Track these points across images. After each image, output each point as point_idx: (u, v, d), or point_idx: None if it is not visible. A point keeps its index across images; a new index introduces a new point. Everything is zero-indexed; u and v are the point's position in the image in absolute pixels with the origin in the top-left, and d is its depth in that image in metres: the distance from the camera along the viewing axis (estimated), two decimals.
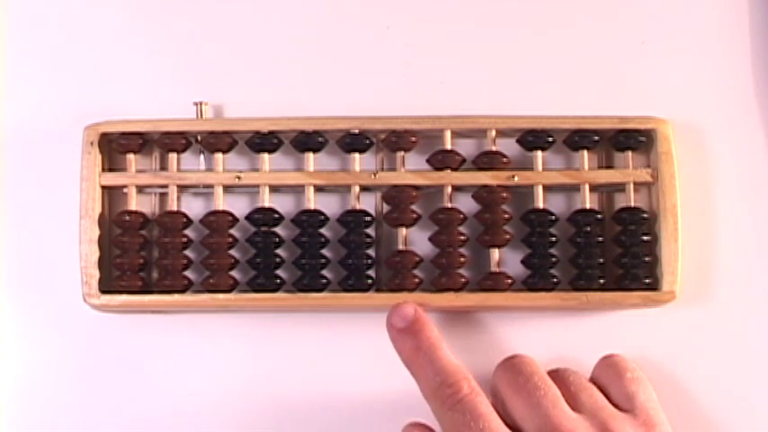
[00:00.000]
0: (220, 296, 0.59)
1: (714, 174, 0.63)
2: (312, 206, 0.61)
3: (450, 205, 0.61)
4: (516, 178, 0.60)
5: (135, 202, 0.61)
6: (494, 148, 0.61)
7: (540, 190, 0.61)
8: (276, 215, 0.61)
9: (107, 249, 0.60)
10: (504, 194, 0.60)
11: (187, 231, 0.61)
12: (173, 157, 0.61)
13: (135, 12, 0.63)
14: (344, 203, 0.62)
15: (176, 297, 0.59)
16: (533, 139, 0.61)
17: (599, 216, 0.61)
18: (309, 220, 0.60)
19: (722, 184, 0.62)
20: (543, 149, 0.61)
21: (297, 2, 0.64)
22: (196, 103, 0.61)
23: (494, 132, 0.61)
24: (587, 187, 0.61)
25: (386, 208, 0.61)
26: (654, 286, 0.60)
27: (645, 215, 0.60)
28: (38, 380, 0.61)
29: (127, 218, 0.60)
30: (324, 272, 0.60)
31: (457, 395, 0.55)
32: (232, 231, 0.61)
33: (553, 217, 0.61)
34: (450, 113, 0.61)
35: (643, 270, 0.60)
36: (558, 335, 0.61)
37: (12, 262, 0.62)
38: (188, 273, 0.60)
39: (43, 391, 0.61)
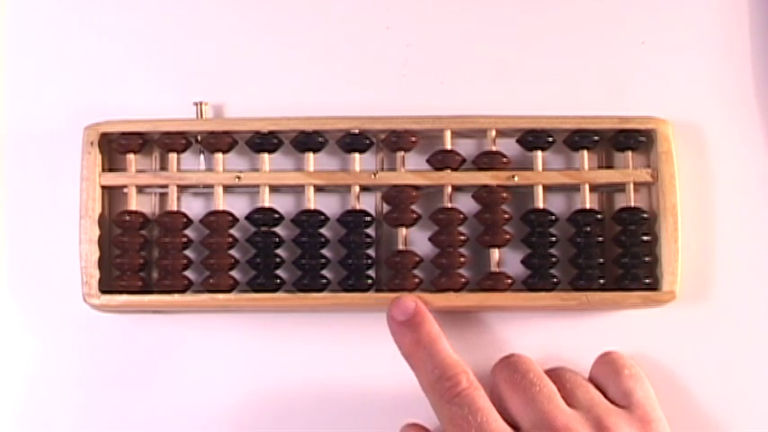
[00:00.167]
0: (220, 296, 0.59)
1: (714, 174, 0.63)
2: (312, 206, 0.61)
3: (450, 205, 0.61)
4: (516, 178, 0.60)
5: (135, 202, 0.61)
6: (494, 148, 0.61)
7: (540, 190, 0.61)
8: (276, 215, 0.61)
9: (107, 249, 0.60)
10: (504, 194, 0.60)
11: (187, 231, 0.61)
12: (173, 157, 0.61)
13: (135, 12, 0.63)
14: (344, 203, 0.62)
15: (176, 297, 0.59)
16: (533, 139, 0.61)
17: (599, 216, 0.61)
18: (309, 220, 0.60)
19: (722, 184, 0.62)
20: (543, 149, 0.61)
21: (297, 2, 0.64)
22: (196, 103, 0.61)
23: (494, 132, 0.61)
24: (587, 187, 0.61)
25: (386, 208, 0.61)
26: (654, 286, 0.60)
27: (645, 215, 0.60)
28: (38, 380, 0.61)
29: (127, 218, 0.60)
30: (324, 272, 0.60)
31: (455, 388, 0.55)
32: (232, 231, 0.61)
33: (553, 217, 0.61)
34: (450, 113, 0.61)
35: (643, 270, 0.60)
36: (558, 335, 0.61)
37: (12, 262, 0.62)
38: (188, 273, 0.60)
39: (43, 391, 0.61)
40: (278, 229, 0.61)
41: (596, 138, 0.61)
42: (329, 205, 0.61)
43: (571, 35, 0.64)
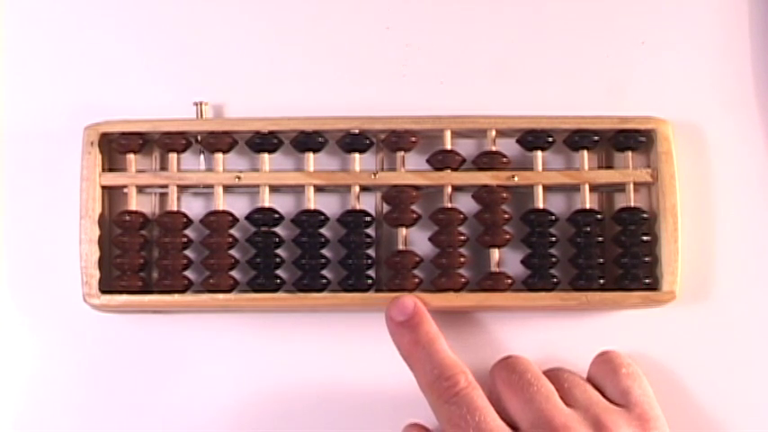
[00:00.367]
0: (220, 296, 0.59)
1: (714, 174, 0.63)
2: (312, 206, 0.61)
3: (450, 205, 0.61)
4: (516, 178, 0.60)
5: (135, 202, 0.61)
6: (494, 148, 0.61)
7: (540, 190, 0.61)
8: (276, 215, 0.61)
9: (107, 249, 0.60)
10: (504, 194, 0.60)
11: (187, 231, 0.61)
12: (173, 157, 0.61)
13: (135, 12, 0.63)
14: (344, 203, 0.62)
15: (176, 297, 0.59)
16: (533, 139, 0.61)
17: (599, 216, 0.61)
18: (309, 220, 0.60)
19: (722, 184, 0.62)
20: (543, 149, 0.61)
21: (297, 2, 0.64)
22: (196, 103, 0.61)
23: (494, 132, 0.61)
24: (587, 187, 0.61)
25: (386, 208, 0.61)
26: (654, 286, 0.60)
27: (645, 215, 0.60)
28: (38, 380, 0.61)
29: (127, 218, 0.60)
30: (324, 272, 0.60)
31: (454, 388, 0.55)
32: (232, 231, 0.61)
33: (553, 217, 0.61)
34: (450, 113, 0.61)
35: (643, 270, 0.60)
36: (557, 335, 0.61)
37: (12, 262, 0.62)
38: (188, 273, 0.60)
39: (43, 391, 0.61)
40: (278, 229, 0.61)
41: (596, 138, 0.61)
42: (329, 205, 0.61)
43: (571, 35, 0.64)
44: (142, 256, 0.60)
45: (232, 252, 0.60)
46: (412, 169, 0.61)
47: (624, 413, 0.56)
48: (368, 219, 0.60)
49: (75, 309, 0.60)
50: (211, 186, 0.61)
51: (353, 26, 0.64)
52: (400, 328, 0.58)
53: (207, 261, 0.60)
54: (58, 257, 0.61)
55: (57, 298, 0.61)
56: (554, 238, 0.60)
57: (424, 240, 0.61)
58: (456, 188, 0.61)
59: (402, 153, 0.61)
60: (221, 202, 0.61)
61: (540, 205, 0.61)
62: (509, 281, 0.60)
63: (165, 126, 0.61)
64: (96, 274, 0.59)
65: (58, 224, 0.61)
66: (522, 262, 0.61)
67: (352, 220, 0.60)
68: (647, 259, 0.60)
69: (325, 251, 0.60)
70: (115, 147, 0.61)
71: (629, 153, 0.61)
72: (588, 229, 0.60)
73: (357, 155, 0.61)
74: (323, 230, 0.61)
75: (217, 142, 0.61)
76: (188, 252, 0.61)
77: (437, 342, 0.57)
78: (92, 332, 0.61)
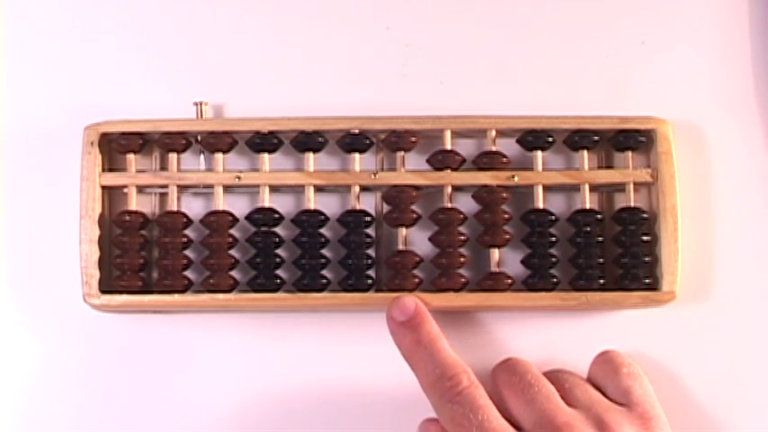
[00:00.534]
0: (220, 296, 0.59)
1: (714, 174, 0.63)
2: (312, 206, 0.61)
3: (450, 205, 0.61)
4: (516, 178, 0.60)
5: (135, 202, 0.61)
6: (494, 148, 0.61)
7: (540, 190, 0.61)
8: (276, 215, 0.61)
9: (107, 249, 0.60)
10: (504, 194, 0.60)
11: (187, 231, 0.61)
12: (173, 157, 0.61)
13: (135, 12, 0.63)
14: (344, 203, 0.62)
15: (176, 297, 0.59)
16: (533, 139, 0.61)
17: (599, 216, 0.61)
18: (309, 220, 0.60)
19: (722, 184, 0.62)
20: (543, 149, 0.61)
21: (297, 2, 0.64)
22: (196, 103, 0.61)
23: (494, 132, 0.61)
24: (587, 187, 0.61)
25: (386, 208, 0.61)
26: (654, 286, 0.60)
27: (645, 215, 0.60)
28: (38, 379, 0.61)
29: (127, 218, 0.60)
30: (324, 272, 0.60)
31: (456, 388, 0.55)
32: (232, 231, 0.61)
33: (553, 217, 0.61)
34: (450, 113, 0.61)
35: (643, 270, 0.60)
36: (557, 335, 0.61)
37: (12, 262, 0.62)
38: (188, 273, 0.60)
39: (43, 391, 0.61)
40: (278, 229, 0.61)
41: (596, 138, 0.61)
42: (329, 205, 0.61)
43: (571, 35, 0.64)
44: (142, 256, 0.60)
45: (232, 252, 0.60)
46: (412, 169, 0.61)
47: (626, 412, 0.56)
48: (368, 219, 0.60)
49: (75, 309, 0.60)
50: (211, 186, 0.61)
51: (353, 26, 0.64)
52: (402, 328, 0.58)
53: (207, 261, 0.60)
54: (58, 257, 0.61)
55: (57, 298, 0.61)
56: (554, 238, 0.60)
57: (424, 240, 0.61)
58: (456, 188, 0.61)
59: (402, 153, 0.61)
60: (221, 202, 0.61)
61: (540, 205, 0.61)
62: (509, 281, 0.60)
63: (165, 126, 0.61)
64: (96, 274, 0.59)
65: (58, 224, 0.61)
66: (522, 262, 0.61)
67: (352, 220, 0.60)
68: (647, 259, 0.60)
69: (325, 251, 0.60)
70: (115, 147, 0.61)
71: (629, 153, 0.61)
72: (588, 229, 0.60)
73: (357, 155, 0.61)
74: (323, 230, 0.61)
75: (217, 142, 0.61)
76: (188, 252, 0.61)
77: (439, 342, 0.57)
78: (92, 332, 0.61)
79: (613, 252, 0.61)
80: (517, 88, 0.63)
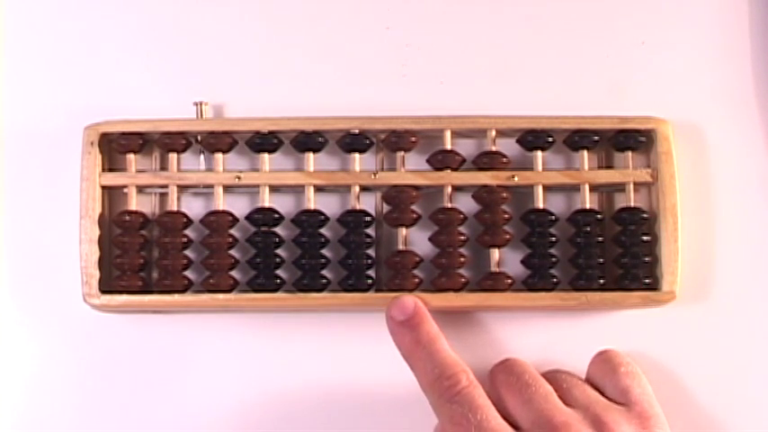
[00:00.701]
0: (220, 296, 0.59)
1: (714, 174, 0.63)
2: (312, 206, 0.61)
3: (450, 205, 0.61)
4: (516, 178, 0.60)
5: (135, 202, 0.61)
6: (494, 148, 0.61)
7: (540, 190, 0.61)
8: (276, 215, 0.61)
9: (107, 249, 0.60)
10: (504, 194, 0.60)
11: (187, 231, 0.61)
12: (173, 157, 0.61)
13: (135, 12, 0.63)
14: (344, 203, 0.62)
15: (176, 297, 0.59)
16: (533, 139, 0.61)
17: (599, 216, 0.61)
18: (309, 220, 0.60)
19: (722, 184, 0.62)
20: (543, 149, 0.61)
21: (297, 2, 0.64)
22: (196, 103, 0.61)
23: (494, 132, 0.61)
24: (587, 187, 0.61)
25: (386, 208, 0.61)
26: (654, 286, 0.60)
27: (645, 215, 0.60)
28: (38, 379, 0.61)
29: (127, 218, 0.60)
30: (324, 272, 0.60)
31: (455, 387, 0.55)
32: (232, 231, 0.61)
33: (553, 217, 0.61)
34: (450, 113, 0.61)
35: (643, 270, 0.60)
36: (557, 335, 0.61)
37: (12, 262, 0.62)
38: (188, 273, 0.60)
39: (43, 391, 0.61)
40: (278, 229, 0.61)
41: (596, 138, 0.61)
42: (329, 205, 0.61)
43: (571, 35, 0.64)
44: (142, 256, 0.60)
45: (232, 252, 0.60)
46: (412, 169, 0.61)
47: (624, 411, 0.56)
48: (368, 219, 0.60)
49: (75, 309, 0.60)
50: (211, 186, 0.61)
51: (353, 26, 0.64)
52: (401, 327, 0.58)
53: (207, 261, 0.60)
54: (58, 257, 0.61)
55: (57, 298, 0.61)
56: (554, 238, 0.60)
57: (424, 240, 0.61)
58: (456, 188, 0.61)
59: (402, 153, 0.61)
60: (221, 202, 0.61)
61: (540, 205, 0.61)
62: (509, 281, 0.60)
63: (165, 126, 0.61)
64: (96, 274, 0.59)
65: (58, 224, 0.61)
66: (522, 262, 0.61)
67: (352, 220, 0.60)
68: (647, 259, 0.60)
69: (325, 251, 0.60)
70: (115, 147, 0.61)
71: (629, 153, 0.61)
72: (588, 229, 0.60)
73: (357, 155, 0.61)
74: (323, 230, 0.61)
75: (217, 142, 0.61)
76: (188, 252, 0.61)
77: (438, 341, 0.57)
78: (92, 332, 0.61)
79: (613, 252, 0.61)
80: (517, 88, 0.63)
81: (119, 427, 0.60)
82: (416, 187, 0.61)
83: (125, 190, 0.61)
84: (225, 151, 0.61)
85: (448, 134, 0.61)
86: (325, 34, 0.63)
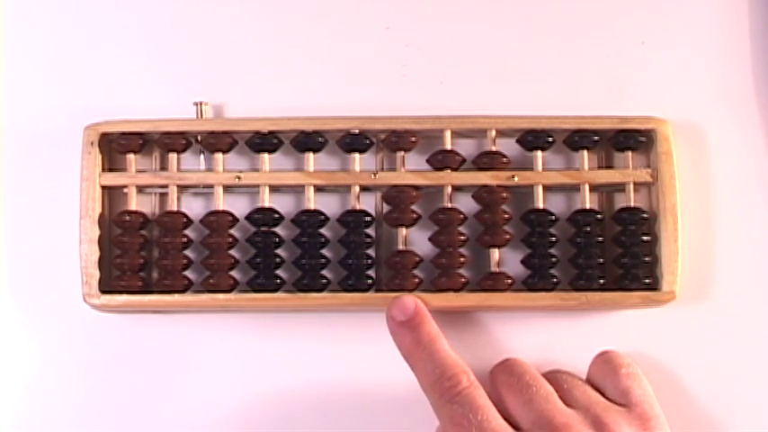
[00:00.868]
0: (220, 296, 0.59)
1: (714, 174, 0.63)
2: (312, 206, 0.61)
3: (450, 205, 0.61)
4: (516, 178, 0.60)
5: (135, 202, 0.61)
6: (494, 148, 0.61)
7: (540, 190, 0.61)
8: (276, 215, 0.61)
9: (107, 249, 0.60)
10: (504, 194, 0.60)
11: (187, 231, 0.61)
12: (173, 157, 0.61)
13: (135, 12, 0.63)
14: (344, 203, 0.62)
15: (176, 297, 0.59)
16: (533, 139, 0.61)
17: (599, 216, 0.61)
18: (309, 220, 0.60)
19: (722, 184, 0.62)
20: (543, 149, 0.61)
21: (297, 2, 0.64)
22: (196, 103, 0.61)
23: (494, 132, 0.61)
24: (587, 187, 0.61)
25: (386, 208, 0.61)
26: (654, 286, 0.60)
27: (645, 215, 0.60)
28: (38, 379, 0.61)
29: (127, 218, 0.60)
30: (324, 272, 0.60)
31: (456, 388, 0.55)
32: (232, 231, 0.61)
33: (553, 217, 0.61)
34: (450, 113, 0.61)
35: (643, 270, 0.60)
36: (557, 335, 0.61)
37: (12, 262, 0.62)
38: (188, 273, 0.60)
39: (43, 391, 0.61)
40: (278, 229, 0.61)
41: (596, 138, 0.61)
42: (329, 205, 0.61)
43: (571, 35, 0.64)
44: (142, 256, 0.60)
45: (232, 252, 0.60)
46: (412, 169, 0.61)
47: (625, 413, 0.56)
48: (368, 219, 0.60)
49: (75, 309, 0.60)
50: (211, 186, 0.61)
51: (353, 26, 0.64)
52: (401, 328, 0.58)
53: (207, 261, 0.60)
54: (58, 257, 0.61)
55: (57, 298, 0.61)
56: (554, 238, 0.60)
57: (424, 240, 0.61)
58: (456, 188, 0.61)
59: (402, 153, 0.61)
60: (221, 202, 0.61)
61: (540, 205, 0.61)
62: (509, 281, 0.60)
63: (165, 126, 0.61)
64: (96, 274, 0.59)
65: (58, 224, 0.61)
66: (522, 262, 0.61)
67: (352, 220, 0.60)
68: (647, 259, 0.60)
69: (325, 251, 0.60)
70: (115, 147, 0.61)
71: (629, 153, 0.61)
72: (588, 229, 0.60)
73: (357, 155, 0.61)
74: (323, 230, 0.61)
75: (217, 142, 0.61)
76: (188, 252, 0.61)
77: (438, 342, 0.57)
78: (92, 332, 0.61)
79: (613, 252, 0.61)
80: (517, 88, 0.63)
81: (119, 427, 0.60)
82: (416, 187, 0.61)
83: (125, 190, 0.61)
84: (225, 151, 0.61)
85: (448, 134, 0.61)
86: (325, 34, 0.63)
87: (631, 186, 0.61)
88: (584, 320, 0.61)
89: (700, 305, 0.61)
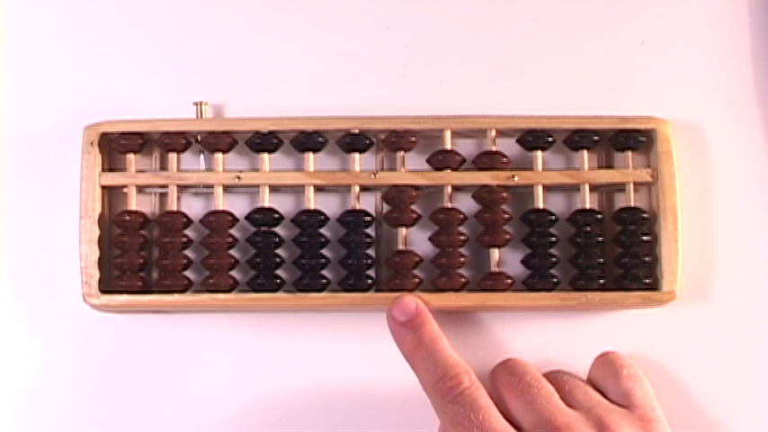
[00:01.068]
0: (220, 296, 0.59)
1: (714, 174, 0.63)
2: (312, 206, 0.61)
3: (450, 205, 0.61)
4: (516, 178, 0.60)
5: (135, 202, 0.61)
6: (494, 148, 0.61)
7: (540, 190, 0.61)
8: (276, 215, 0.61)
9: (107, 249, 0.60)
10: (504, 194, 0.60)
11: (187, 231, 0.61)
12: (173, 157, 0.61)
13: (135, 12, 0.63)
14: (344, 203, 0.62)
15: (176, 297, 0.59)
16: (533, 139, 0.61)
17: (599, 216, 0.61)
18: (309, 220, 0.60)
19: (722, 184, 0.62)
20: (543, 149, 0.61)
21: (297, 2, 0.64)
22: (196, 103, 0.61)
23: (494, 132, 0.61)
24: (587, 187, 0.61)
25: (386, 208, 0.61)
26: (654, 286, 0.60)
27: (645, 215, 0.60)
28: (38, 379, 0.61)
29: (127, 218, 0.60)
30: (324, 272, 0.60)
31: (457, 388, 0.55)
32: (232, 231, 0.61)
33: (553, 217, 0.61)
34: (450, 113, 0.61)
35: (643, 270, 0.60)
36: (558, 335, 0.61)
37: (12, 262, 0.62)
38: (188, 273, 0.60)
39: (43, 391, 0.61)
40: (278, 229, 0.61)
41: (596, 138, 0.61)
42: (329, 205, 0.61)
43: (571, 35, 0.64)
44: (142, 256, 0.60)
45: (232, 252, 0.60)
46: (412, 169, 0.61)
47: (627, 414, 0.56)
48: (368, 219, 0.60)
49: (75, 309, 0.60)
50: (211, 186, 0.61)
51: (353, 26, 0.64)
52: (402, 328, 0.58)
53: (207, 261, 0.60)
54: (58, 257, 0.61)
55: (57, 298, 0.61)
56: (554, 238, 0.60)
57: (424, 240, 0.61)
58: (456, 188, 0.61)
59: (402, 153, 0.61)
60: (221, 202, 0.61)
61: (540, 205, 0.61)
62: (509, 281, 0.60)
63: (165, 126, 0.61)
64: (96, 274, 0.59)
65: (58, 224, 0.61)
66: (522, 262, 0.61)
67: (352, 220, 0.60)
68: (647, 259, 0.60)
69: (325, 251, 0.60)
70: (115, 147, 0.61)
71: (629, 153, 0.61)
72: (588, 229, 0.60)
73: (357, 155, 0.61)
74: (323, 230, 0.61)
75: (217, 142, 0.61)
76: (188, 252, 0.61)
77: (440, 342, 0.57)
78: (92, 332, 0.61)
79: (613, 252, 0.61)
80: (517, 88, 0.63)
81: (119, 427, 0.60)
82: (416, 187, 0.61)
83: (125, 190, 0.61)
84: (225, 151, 0.61)
85: (448, 134, 0.61)
86: (326, 34, 0.63)
87: (631, 186, 0.61)
88: (584, 320, 0.61)
89: (700, 305, 0.61)
